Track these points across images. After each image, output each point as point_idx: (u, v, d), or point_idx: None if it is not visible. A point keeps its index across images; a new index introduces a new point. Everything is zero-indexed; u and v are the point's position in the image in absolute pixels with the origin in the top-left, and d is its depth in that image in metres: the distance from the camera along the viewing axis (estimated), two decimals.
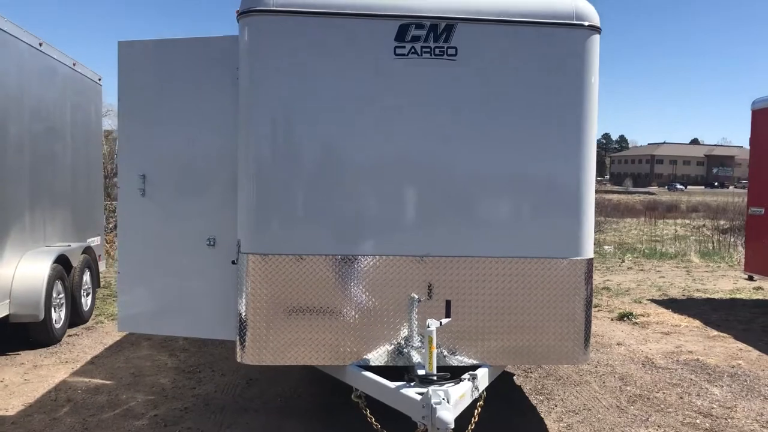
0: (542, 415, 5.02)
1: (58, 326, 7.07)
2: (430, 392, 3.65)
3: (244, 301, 4.45)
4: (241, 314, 4.47)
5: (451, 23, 4.37)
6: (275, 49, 4.37)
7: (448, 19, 4.37)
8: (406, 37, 4.36)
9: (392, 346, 4.52)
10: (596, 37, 4.50)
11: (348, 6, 4.35)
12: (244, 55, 4.46)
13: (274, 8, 4.32)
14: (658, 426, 4.82)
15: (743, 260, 13.00)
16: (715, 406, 5.29)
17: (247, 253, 4.42)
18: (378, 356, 4.52)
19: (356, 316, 4.46)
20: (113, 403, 5.23)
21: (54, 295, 6.96)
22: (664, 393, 5.58)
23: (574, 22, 4.43)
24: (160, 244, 4.83)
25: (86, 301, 8.09)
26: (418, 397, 3.78)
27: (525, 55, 4.45)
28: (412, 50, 4.37)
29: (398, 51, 4.37)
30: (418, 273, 4.45)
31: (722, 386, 5.82)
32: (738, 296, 11.13)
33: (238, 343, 4.50)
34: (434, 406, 3.58)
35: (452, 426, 3.54)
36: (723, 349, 7.29)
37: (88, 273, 8.20)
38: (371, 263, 4.44)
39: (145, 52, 4.84)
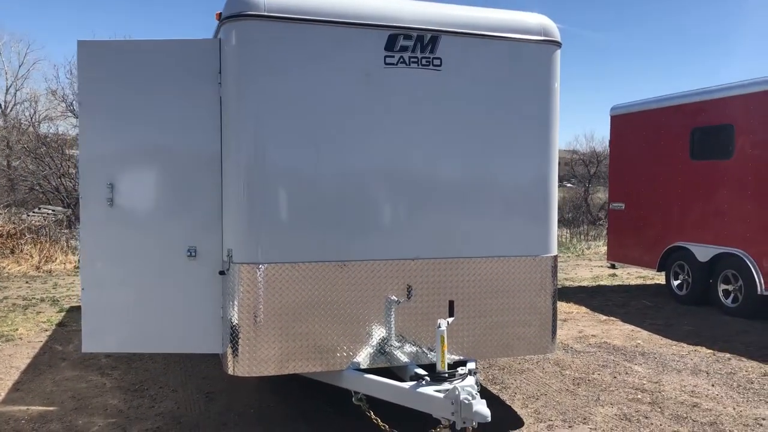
0: (508, 403, 5.36)
1: None
2: (459, 389, 3.83)
3: (236, 312, 4.35)
4: (233, 325, 4.37)
5: (436, 35, 4.57)
6: (265, 55, 4.31)
7: (433, 30, 4.56)
8: (395, 47, 4.49)
9: (376, 348, 4.63)
10: (558, 51, 4.91)
11: (341, 14, 4.40)
12: (230, 60, 4.36)
13: (266, 13, 4.26)
14: (611, 404, 5.34)
15: (601, 251, 14.49)
16: (644, 381, 5.94)
17: (240, 263, 4.32)
18: (365, 358, 4.61)
19: (349, 320, 4.52)
20: (74, 430, 4.83)
21: None
22: (599, 374, 6.16)
23: (542, 38, 4.81)
24: (131, 258, 4.56)
25: None
26: (441, 395, 3.94)
27: (500, 66, 4.75)
28: (401, 60, 4.51)
29: (388, 60, 4.49)
30: (404, 275, 4.60)
31: (641, 364, 6.53)
32: (602, 283, 12.32)
33: (229, 354, 4.39)
34: (466, 402, 3.76)
35: (490, 418, 3.75)
36: (618, 331, 8.11)
37: None
38: (364, 268, 4.52)
39: (110, 53, 4.54)
